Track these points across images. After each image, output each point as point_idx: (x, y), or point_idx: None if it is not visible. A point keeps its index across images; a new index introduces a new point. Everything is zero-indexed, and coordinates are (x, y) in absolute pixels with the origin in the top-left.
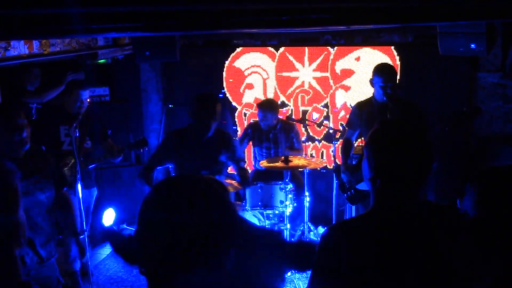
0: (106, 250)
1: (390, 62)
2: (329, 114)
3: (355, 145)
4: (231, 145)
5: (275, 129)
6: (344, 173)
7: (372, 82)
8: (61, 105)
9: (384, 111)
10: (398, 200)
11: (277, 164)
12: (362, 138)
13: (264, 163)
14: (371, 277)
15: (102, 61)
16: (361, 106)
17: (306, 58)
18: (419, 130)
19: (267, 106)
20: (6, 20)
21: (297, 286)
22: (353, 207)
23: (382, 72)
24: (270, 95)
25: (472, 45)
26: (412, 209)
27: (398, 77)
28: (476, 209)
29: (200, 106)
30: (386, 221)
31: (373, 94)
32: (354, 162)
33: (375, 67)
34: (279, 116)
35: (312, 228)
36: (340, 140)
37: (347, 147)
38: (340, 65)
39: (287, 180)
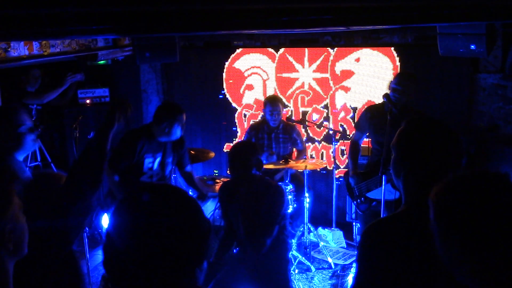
0: None
1: (390, 63)
2: (329, 115)
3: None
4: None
5: (278, 129)
6: (352, 177)
7: (389, 89)
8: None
9: (395, 118)
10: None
11: (277, 165)
12: (370, 140)
13: (265, 165)
14: (407, 276)
15: (102, 62)
16: (372, 111)
17: (306, 59)
18: (447, 126)
19: (277, 100)
20: (7, 20)
21: (296, 287)
22: (353, 208)
23: (399, 78)
24: None
25: (472, 46)
26: None
27: (415, 87)
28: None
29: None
30: (419, 219)
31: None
32: (361, 161)
33: (395, 75)
34: None
35: (312, 229)
36: (340, 141)
37: (355, 151)
38: (340, 66)
39: (287, 181)
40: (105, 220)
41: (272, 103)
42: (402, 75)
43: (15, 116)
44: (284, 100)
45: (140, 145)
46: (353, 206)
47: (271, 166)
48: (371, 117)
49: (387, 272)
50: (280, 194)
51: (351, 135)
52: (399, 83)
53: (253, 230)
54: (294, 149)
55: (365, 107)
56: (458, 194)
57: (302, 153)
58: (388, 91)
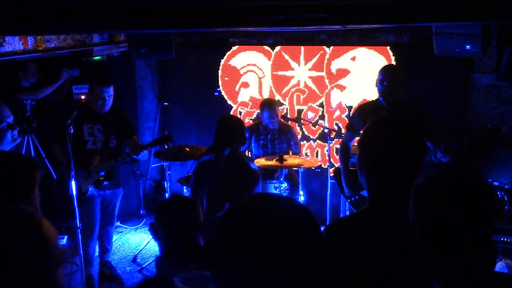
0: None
1: (385, 62)
2: (324, 113)
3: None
4: None
5: (274, 130)
6: (345, 181)
7: (377, 85)
8: (85, 103)
9: (390, 113)
10: (391, 196)
11: (271, 163)
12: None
13: (259, 162)
14: (366, 273)
15: (97, 58)
16: (365, 109)
17: (301, 57)
18: (409, 125)
19: (275, 104)
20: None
21: None
22: (348, 206)
23: (383, 69)
24: (266, 94)
25: (467, 46)
26: (405, 204)
27: (403, 80)
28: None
29: None
30: (380, 217)
31: (378, 97)
32: (353, 160)
33: (380, 69)
34: None
35: None
36: (335, 139)
37: (345, 153)
38: (335, 65)
39: (281, 179)
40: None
41: (270, 108)
42: (386, 67)
43: None
44: (279, 98)
45: None
46: (347, 205)
47: (266, 164)
48: (365, 115)
49: (347, 269)
50: (254, 182)
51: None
52: (385, 75)
53: (215, 207)
54: (290, 151)
55: (357, 106)
56: (434, 190)
57: (296, 156)
58: (376, 88)
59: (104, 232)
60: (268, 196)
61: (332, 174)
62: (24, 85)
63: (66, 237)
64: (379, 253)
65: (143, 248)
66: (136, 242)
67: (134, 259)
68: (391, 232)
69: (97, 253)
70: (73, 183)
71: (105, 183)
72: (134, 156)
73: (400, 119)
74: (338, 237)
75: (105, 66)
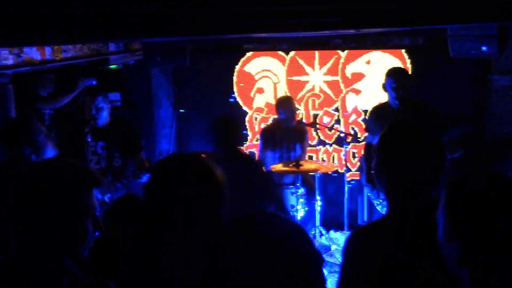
0: None
1: (401, 65)
2: (340, 117)
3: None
4: None
5: (290, 131)
6: (368, 184)
7: (384, 87)
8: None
9: (399, 115)
10: (412, 202)
11: (288, 168)
12: None
13: (275, 168)
14: (389, 281)
15: (113, 66)
16: (377, 111)
17: (316, 62)
18: (428, 130)
19: (292, 101)
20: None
21: None
22: (366, 211)
23: (392, 73)
24: None
25: (484, 48)
26: (426, 210)
27: (410, 80)
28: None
29: None
30: (402, 224)
31: (388, 99)
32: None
33: (386, 71)
34: None
35: (323, 232)
36: (352, 144)
37: (369, 154)
38: (350, 69)
39: (298, 184)
40: None
41: (289, 105)
42: (393, 70)
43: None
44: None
45: None
46: (365, 209)
47: (282, 170)
48: (377, 118)
49: (369, 279)
50: (267, 179)
51: (362, 138)
52: (394, 77)
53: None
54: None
55: (371, 110)
56: (469, 191)
57: (300, 158)
58: (385, 91)
59: None
60: (265, 215)
61: (349, 178)
62: (42, 95)
63: None
64: (405, 259)
65: None
66: None
67: None
68: (415, 237)
69: None
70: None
71: None
72: (137, 180)
73: (416, 123)
74: (361, 245)
75: (120, 74)
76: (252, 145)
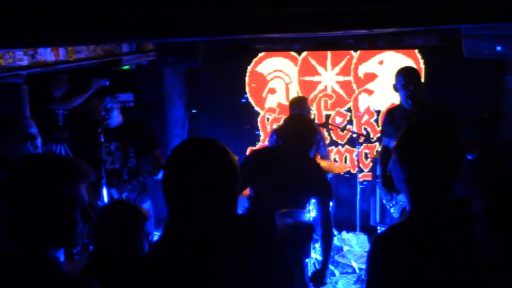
0: None
1: (414, 65)
2: (352, 118)
3: None
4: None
5: None
6: (383, 187)
7: (395, 87)
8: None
9: (413, 115)
10: (433, 201)
11: None
12: None
13: None
14: (417, 281)
15: (126, 67)
16: (391, 113)
17: (328, 62)
18: (446, 129)
19: (306, 101)
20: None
21: None
22: (378, 212)
23: (403, 71)
24: None
25: (498, 48)
26: (448, 209)
27: (422, 80)
28: (484, 213)
29: None
30: (425, 223)
31: (400, 101)
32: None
33: (397, 71)
34: None
35: (336, 233)
36: (364, 144)
37: (385, 157)
38: (363, 69)
39: None
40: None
41: (304, 104)
42: (404, 70)
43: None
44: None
45: None
46: (378, 210)
47: None
48: (391, 120)
49: (399, 280)
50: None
51: (374, 139)
52: (406, 77)
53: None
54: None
55: (385, 112)
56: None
57: (324, 159)
58: (397, 92)
59: None
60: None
61: (362, 179)
62: (56, 95)
63: None
64: (428, 262)
65: None
66: None
67: None
68: (435, 239)
69: None
70: (104, 191)
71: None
72: (154, 177)
73: (435, 123)
74: (388, 247)
75: (133, 75)
76: (264, 145)
